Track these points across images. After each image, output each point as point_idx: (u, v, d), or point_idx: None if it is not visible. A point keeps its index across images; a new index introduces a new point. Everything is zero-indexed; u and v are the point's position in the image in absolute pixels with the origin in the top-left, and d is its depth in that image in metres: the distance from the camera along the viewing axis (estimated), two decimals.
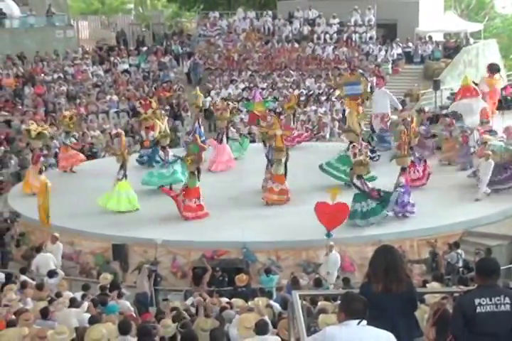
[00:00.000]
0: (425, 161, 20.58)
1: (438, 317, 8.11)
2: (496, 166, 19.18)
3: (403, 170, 18.50)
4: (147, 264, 16.35)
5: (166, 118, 25.99)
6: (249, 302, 12.71)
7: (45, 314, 11.60)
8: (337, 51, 36.28)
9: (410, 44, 36.65)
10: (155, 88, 34.25)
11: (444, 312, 8.14)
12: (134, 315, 12.98)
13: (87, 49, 38.72)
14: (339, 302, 5.90)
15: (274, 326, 10.68)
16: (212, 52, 37.83)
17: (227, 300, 13.42)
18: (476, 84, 24.82)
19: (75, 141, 26.07)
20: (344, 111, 31.28)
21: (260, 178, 20.98)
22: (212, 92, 33.65)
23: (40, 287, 14.12)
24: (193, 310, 12.88)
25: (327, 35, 37.83)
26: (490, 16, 53.31)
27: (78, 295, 13.72)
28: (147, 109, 24.23)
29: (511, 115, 27.20)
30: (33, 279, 15.43)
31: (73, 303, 12.65)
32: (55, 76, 34.57)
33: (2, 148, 26.60)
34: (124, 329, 9.75)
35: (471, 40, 37.48)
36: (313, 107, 31.59)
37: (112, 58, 36.99)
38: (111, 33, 42.20)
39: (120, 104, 32.45)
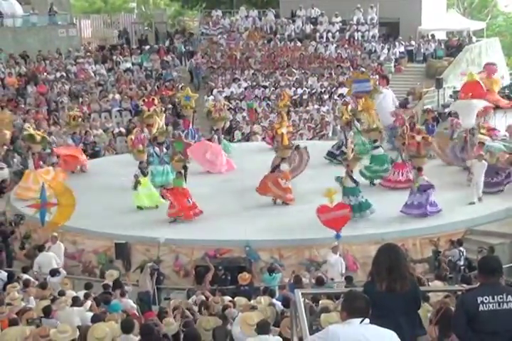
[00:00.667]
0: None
1: (441, 315, 8.12)
2: (490, 168, 19.11)
3: (420, 170, 18.54)
4: (150, 263, 16.38)
5: (164, 115, 25.96)
6: (252, 301, 12.71)
7: (47, 312, 11.61)
8: (339, 50, 36.27)
9: (413, 42, 36.61)
10: (157, 87, 34.26)
11: (446, 311, 8.14)
12: (137, 313, 13.00)
13: (90, 48, 38.74)
14: (342, 300, 5.89)
15: (277, 325, 10.68)
16: (215, 50, 37.83)
17: (229, 298, 13.42)
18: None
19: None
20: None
21: (262, 177, 21.08)
22: (215, 91, 33.64)
23: (43, 286, 14.13)
24: (195, 308, 12.88)
25: (329, 34, 37.80)
26: (493, 15, 53.28)
27: (81, 293, 13.74)
28: (150, 107, 24.25)
29: None
30: (36, 279, 15.42)
31: (76, 302, 12.66)
32: (58, 75, 34.60)
33: (5, 147, 26.60)
34: (126, 328, 9.77)
35: (474, 39, 37.43)
36: (316, 106, 31.57)
37: (114, 57, 37.00)
38: (113, 31, 42.21)
39: (123, 103, 32.45)
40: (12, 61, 35.08)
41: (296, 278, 14.63)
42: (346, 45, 36.56)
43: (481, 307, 6.02)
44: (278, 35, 38.59)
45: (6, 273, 15.49)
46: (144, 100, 25.26)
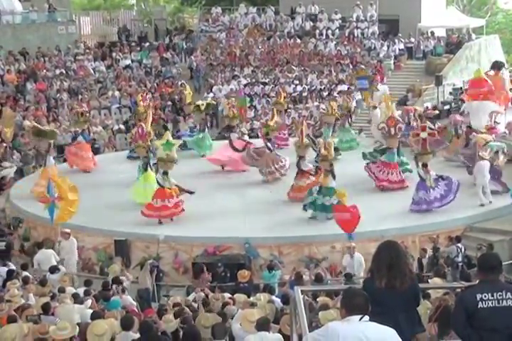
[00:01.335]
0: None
1: (440, 312, 8.12)
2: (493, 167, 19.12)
3: (425, 166, 18.58)
4: (150, 260, 16.39)
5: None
6: (252, 298, 12.72)
7: (46, 309, 11.62)
8: (339, 47, 36.23)
9: (412, 39, 36.57)
10: (157, 84, 34.24)
11: (446, 308, 8.15)
12: (137, 310, 13.00)
13: (89, 45, 38.70)
14: (341, 297, 5.88)
15: (276, 322, 10.68)
16: (214, 47, 37.79)
17: (229, 295, 13.43)
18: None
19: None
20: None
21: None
22: (215, 88, 33.61)
23: (42, 283, 14.14)
24: (195, 305, 12.89)
25: (329, 31, 37.75)
26: (492, 12, 53.18)
27: (81, 290, 13.76)
28: (144, 102, 24.27)
29: None
30: (34, 278, 15.38)
31: (76, 299, 12.67)
32: (57, 72, 34.57)
33: (4, 144, 26.59)
34: (126, 324, 9.77)
35: (474, 36, 37.36)
36: (316, 103, 31.56)
37: (113, 54, 36.97)
38: (113, 28, 42.17)
39: (122, 100, 32.43)
40: (11, 58, 35.03)
41: (296, 275, 14.65)
42: (346, 42, 36.52)
43: (480, 305, 6.02)
44: (277, 32, 38.55)
45: (6, 269, 15.49)
46: (142, 95, 25.24)
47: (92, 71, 35.25)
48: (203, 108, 25.28)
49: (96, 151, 27.31)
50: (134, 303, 13.81)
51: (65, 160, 25.15)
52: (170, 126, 30.81)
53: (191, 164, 23.04)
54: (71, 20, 39.00)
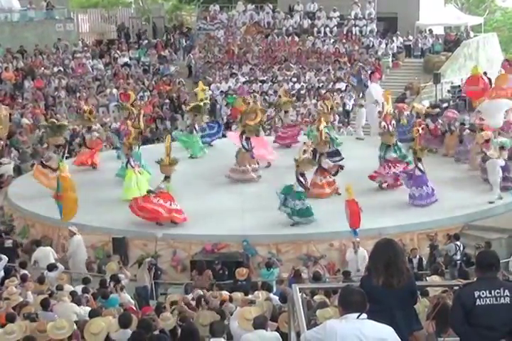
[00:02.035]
0: (407, 163, 20.10)
1: (438, 310, 8.12)
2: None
3: (419, 160, 18.68)
4: (148, 258, 16.38)
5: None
6: (250, 296, 12.72)
7: (45, 305, 11.62)
8: (337, 44, 36.20)
9: (410, 37, 36.59)
10: (155, 82, 34.22)
11: (443, 306, 8.14)
12: (135, 308, 13.01)
13: (87, 42, 38.66)
14: (338, 295, 5.89)
15: (274, 319, 10.68)
16: (213, 45, 37.76)
17: (227, 293, 13.42)
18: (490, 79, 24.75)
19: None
20: (344, 104, 31.37)
21: (262, 172, 21.26)
22: (213, 86, 33.59)
23: (41, 280, 14.14)
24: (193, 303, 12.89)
25: (327, 29, 37.74)
26: (490, 10, 53.15)
27: (79, 288, 13.75)
28: (127, 101, 24.13)
29: None
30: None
31: (74, 297, 12.67)
32: (55, 69, 34.53)
33: (2, 141, 26.57)
34: (124, 322, 9.76)
35: (472, 34, 37.38)
36: (314, 101, 31.54)
37: (112, 52, 36.94)
38: (111, 26, 42.13)
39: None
40: (9, 56, 34.99)
41: (295, 273, 14.66)
42: (344, 40, 36.48)
43: (478, 302, 6.03)
44: (276, 30, 38.52)
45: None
46: (121, 94, 25.07)
47: (90, 69, 35.22)
48: (189, 108, 25.19)
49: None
50: (132, 301, 13.81)
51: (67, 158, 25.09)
52: (168, 123, 30.84)
53: (189, 162, 23.01)
54: (69, 17, 38.94)
